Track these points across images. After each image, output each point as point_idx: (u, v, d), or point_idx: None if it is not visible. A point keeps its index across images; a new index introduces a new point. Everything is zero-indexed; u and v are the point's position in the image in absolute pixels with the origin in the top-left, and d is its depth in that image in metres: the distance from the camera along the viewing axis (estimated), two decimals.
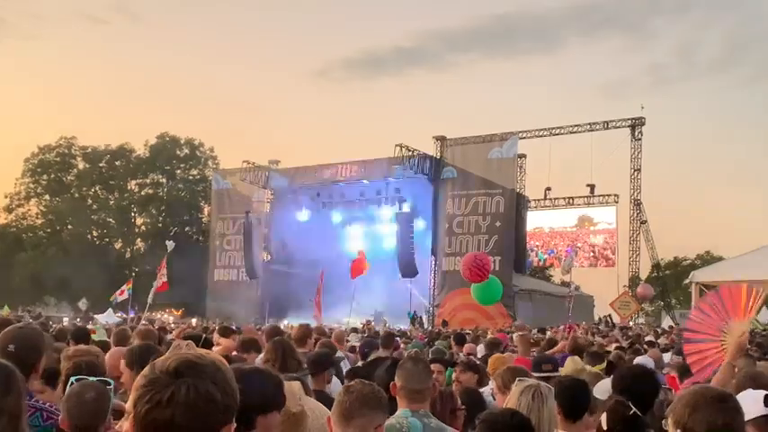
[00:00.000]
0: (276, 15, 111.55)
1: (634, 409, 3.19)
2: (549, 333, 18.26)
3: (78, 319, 26.79)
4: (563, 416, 3.78)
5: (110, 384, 3.39)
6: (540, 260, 39.68)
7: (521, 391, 3.56)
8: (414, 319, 32.79)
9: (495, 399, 4.79)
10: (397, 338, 12.61)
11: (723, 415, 2.61)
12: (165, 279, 18.53)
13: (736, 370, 5.48)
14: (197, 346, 4.06)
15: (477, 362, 7.13)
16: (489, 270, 15.18)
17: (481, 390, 5.85)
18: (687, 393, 2.79)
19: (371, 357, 6.80)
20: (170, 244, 19.38)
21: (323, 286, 22.32)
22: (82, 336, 7.23)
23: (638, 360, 7.97)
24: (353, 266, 24.28)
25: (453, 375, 6.23)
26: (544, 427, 3.44)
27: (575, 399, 3.89)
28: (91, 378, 3.37)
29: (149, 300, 17.53)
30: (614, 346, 11.70)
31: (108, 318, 24.60)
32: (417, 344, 11.22)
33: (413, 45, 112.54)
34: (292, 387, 3.28)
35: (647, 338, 15.58)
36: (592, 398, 4.00)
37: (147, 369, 1.63)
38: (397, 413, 3.59)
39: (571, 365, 6.21)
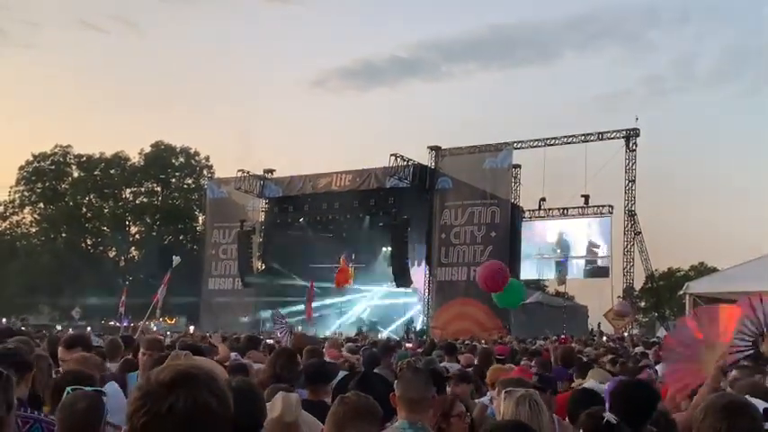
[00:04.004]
0: (273, 25, 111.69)
1: (607, 416, 3.19)
2: (538, 343, 18.30)
3: (70, 329, 26.67)
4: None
5: (105, 395, 3.37)
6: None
7: (516, 402, 3.53)
8: (408, 329, 32.74)
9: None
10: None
11: (727, 421, 2.72)
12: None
13: (730, 380, 5.52)
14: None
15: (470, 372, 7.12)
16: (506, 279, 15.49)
17: (479, 400, 5.86)
18: (704, 402, 3.02)
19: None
20: (176, 259, 19.34)
21: (313, 295, 22.37)
22: (80, 343, 5.91)
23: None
24: (338, 276, 24.17)
25: (448, 389, 6.22)
26: None
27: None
28: (86, 388, 3.35)
29: (157, 313, 17.56)
30: (609, 357, 11.68)
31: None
32: (403, 354, 11.10)
33: (409, 55, 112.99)
34: (290, 399, 3.29)
35: (636, 350, 15.51)
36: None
37: (142, 381, 1.64)
38: (395, 424, 3.56)
39: (598, 375, 6.31)
